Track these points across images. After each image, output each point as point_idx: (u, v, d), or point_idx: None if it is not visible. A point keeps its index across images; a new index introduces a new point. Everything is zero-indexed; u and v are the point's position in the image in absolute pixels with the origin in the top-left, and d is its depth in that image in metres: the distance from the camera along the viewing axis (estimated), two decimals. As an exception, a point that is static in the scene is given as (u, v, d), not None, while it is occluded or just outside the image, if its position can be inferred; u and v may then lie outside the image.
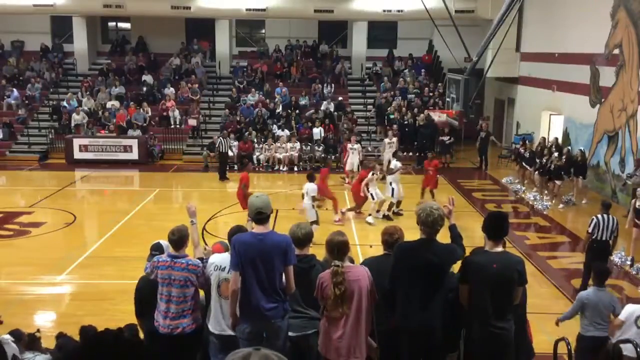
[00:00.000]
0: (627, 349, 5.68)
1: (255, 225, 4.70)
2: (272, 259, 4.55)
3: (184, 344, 5.20)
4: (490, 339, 4.35)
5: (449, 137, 20.52)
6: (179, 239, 5.26)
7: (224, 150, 18.26)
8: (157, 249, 5.84)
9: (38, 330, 6.00)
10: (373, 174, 13.25)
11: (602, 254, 9.40)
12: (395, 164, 14.15)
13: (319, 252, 5.16)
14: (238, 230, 5.43)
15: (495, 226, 4.49)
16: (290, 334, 4.81)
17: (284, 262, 4.58)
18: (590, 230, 9.35)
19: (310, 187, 11.83)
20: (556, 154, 15.66)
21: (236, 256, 4.62)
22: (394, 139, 18.63)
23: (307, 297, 4.77)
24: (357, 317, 4.40)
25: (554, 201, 15.32)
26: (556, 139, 17.70)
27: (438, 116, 20.51)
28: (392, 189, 13.66)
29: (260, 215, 4.63)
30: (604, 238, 9.31)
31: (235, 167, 19.57)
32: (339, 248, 4.45)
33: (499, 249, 4.48)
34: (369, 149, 20.98)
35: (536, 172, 16.35)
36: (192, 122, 21.42)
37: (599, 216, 9.37)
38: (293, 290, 4.66)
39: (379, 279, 4.52)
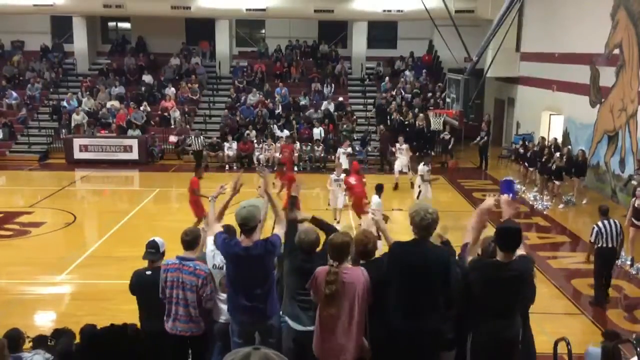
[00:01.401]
0: None
1: (242, 235, 4.73)
2: (260, 269, 4.59)
3: (192, 347, 5.23)
4: (499, 340, 4.34)
5: (449, 135, 20.52)
6: (192, 239, 5.28)
7: (196, 149, 18.57)
8: (152, 246, 5.88)
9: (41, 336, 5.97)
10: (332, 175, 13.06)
11: (610, 261, 9.15)
12: (421, 168, 14.03)
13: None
14: (227, 229, 5.48)
15: (509, 239, 4.37)
16: (296, 327, 4.79)
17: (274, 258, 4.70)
18: (592, 240, 9.09)
19: (375, 201, 11.12)
20: (557, 154, 15.68)
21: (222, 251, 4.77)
22: (405, 145, 18.01)
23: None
24: (349, 319, 4.38)
25: (554, 201, 15.33)
26: (555, 139, 17.72)
27: (434, 119, 20.37)
28: (419, 192, 13.75)
29: (244, 227, 4.65)
30: (609, 245, 9.00)
31: (235, 167, 19.61)
32: (340, 249, 4.44)
33: (512, 258, 4.40)
34: (369, 148, 20.99)
35: (537, 172, 16.35)
36: (173, 139, 20.87)
37: (600, 224, 9.08)
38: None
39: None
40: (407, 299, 4.37)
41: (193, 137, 18.90)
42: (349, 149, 17.84)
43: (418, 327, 4.32)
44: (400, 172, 17.29)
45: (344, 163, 16.63)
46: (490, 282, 4.30)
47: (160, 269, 5.36)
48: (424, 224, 4.35)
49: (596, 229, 9.07)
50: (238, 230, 5.23)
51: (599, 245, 9.04)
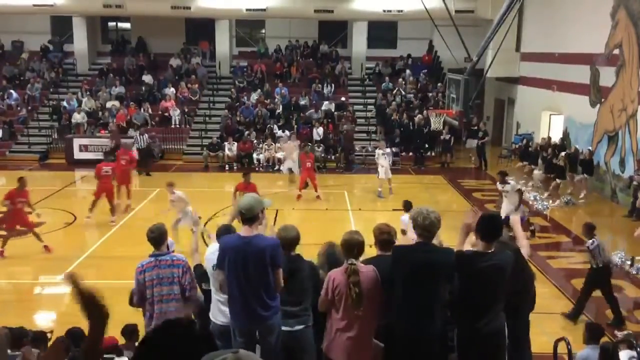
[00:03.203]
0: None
1: (242, 226, 4.74)
2: (259, 261, 4.58)
3: None
4: (482, 334, 4.29)
5: (449, 135, 20.53)
6: (158, 236, 5.29)
7: (141, 147, 18.72)
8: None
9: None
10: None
11: (608, 278, 8.63)
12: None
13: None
14: (226, 230, 5.47)
15: (490, 228, 4.37)
16: (283, 328, 4.81)
17: (272, 265, 4.62)
18: (591, 248, 8.38)
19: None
20: (563, 154, 15.77)
21: (222, 258, 4.70)
22: (288, 143, 17.66)
23: (294, 294, 4.83)
24: (364, 318, 4.35)
25: (552, 201, 15.32)
26: (562, 139, 17.76)
27: (434, 119, 20.35)
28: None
29: (243, 216, 4.68)
30: (601, 265, 8.46)
31: (235, 166, 19.63)
32: (358, 248, 4.42)
33: (492, 249, 4.40)
34: (369, 148, 20.98)
35: (540, 171, 16.39)
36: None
37: (596, 240, 8.37)
38: (280, 289, 4.73)
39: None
40: (412, 304, 4.29)
41: (137, 134, 18.68)
42: (388, 149, 17.47)
43: (423, 332, 4.27)
44: (290, 170, 17.68)
45: (384, 164, 16.33)
46: (470, 274, 4.26)
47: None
48: (426, 223, 4.27)
49: (596, 242, 8.36)
50: None
51: (594, 265, 8.45)
